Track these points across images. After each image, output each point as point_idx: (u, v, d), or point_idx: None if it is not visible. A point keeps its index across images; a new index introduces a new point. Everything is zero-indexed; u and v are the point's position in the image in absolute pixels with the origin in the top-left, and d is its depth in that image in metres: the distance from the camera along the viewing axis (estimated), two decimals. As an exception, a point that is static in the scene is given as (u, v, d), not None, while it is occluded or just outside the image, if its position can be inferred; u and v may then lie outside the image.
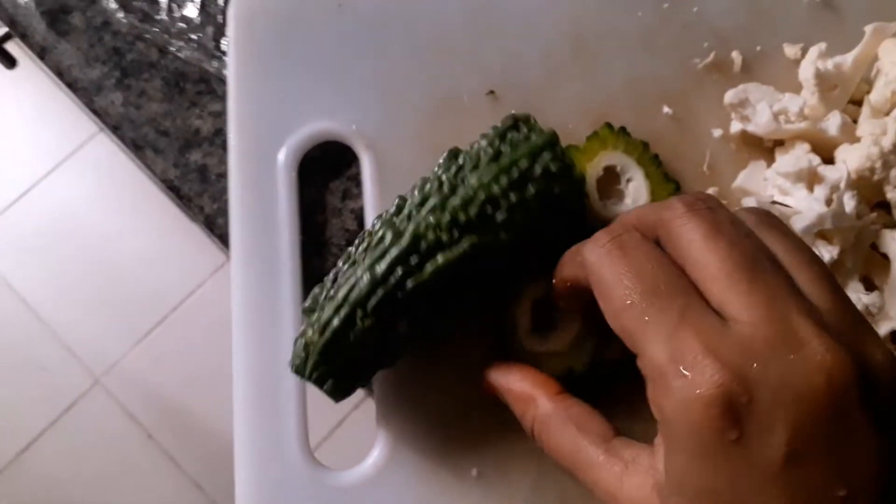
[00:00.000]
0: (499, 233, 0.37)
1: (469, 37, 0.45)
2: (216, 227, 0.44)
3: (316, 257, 0.43)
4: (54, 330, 1.42)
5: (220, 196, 0.43)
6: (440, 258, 0.36)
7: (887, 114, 0.43)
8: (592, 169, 0.43)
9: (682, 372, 0.25)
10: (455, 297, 0.38)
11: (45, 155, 1.53)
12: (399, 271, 0.36)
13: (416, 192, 0.38)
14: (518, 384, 0.36)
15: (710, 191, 0.44)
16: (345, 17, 0.45)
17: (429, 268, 0.36)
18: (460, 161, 0.38)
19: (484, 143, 0.39)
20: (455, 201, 0.37)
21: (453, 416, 0.41)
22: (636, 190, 0.43)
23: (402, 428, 0.41)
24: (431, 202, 0.37)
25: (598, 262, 0.30)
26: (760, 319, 0.26)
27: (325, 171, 0.44)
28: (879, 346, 0.27)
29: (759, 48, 0.46)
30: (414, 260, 0.36)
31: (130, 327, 1.41)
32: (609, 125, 0.43)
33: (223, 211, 0.43)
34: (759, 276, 0.27)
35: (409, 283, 0.36)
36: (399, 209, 0.38)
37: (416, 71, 0.45)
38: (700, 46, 0.46)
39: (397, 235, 0.37)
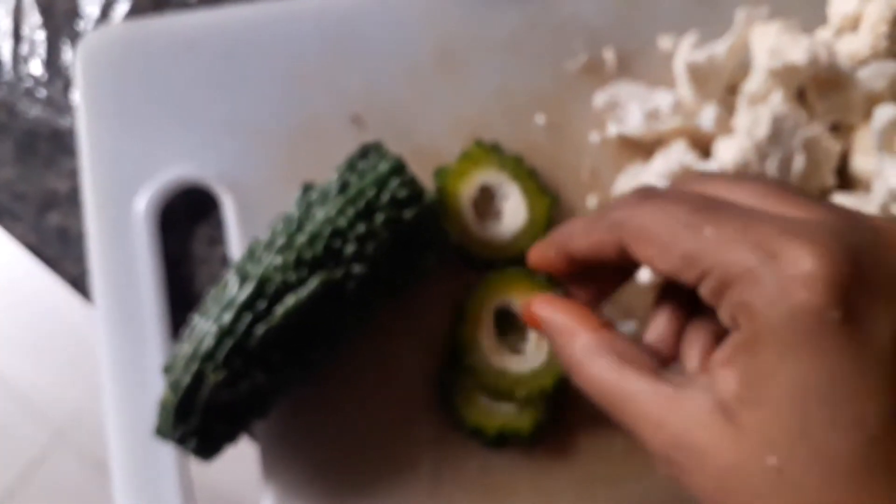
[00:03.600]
0: (350, 266, 0.35)
1: (327, 61, 0.43)
2: (82, 288, 0.42)
3: (187, 310, 0.41)
4: (11, 385, 1.39)
5: (84, 257, 0.41)
6: (290, 300, 0.34)
7: (763, 102, 0.41)
8: (467, 189, 0.41)
9: (769, 259, 0.23)
10: (316, 338, 0.36)
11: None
12: (247, 318, 0.34)
13: (268, 233, 0.37)
14: (560, 316, 0.31)
15: (591, 198, 0.42)
16: (195, 56, 0.43)
17: (278, 311, 0.34)
18: (312, 196, 0.37)
19: (335, 175, 0.37)
20: (301, 238, 0.35)
21: (342, 464, 0.40)
22: (514, 207, 0.41)
23: (288, 481, 0.39)
24: (279, 241, 0.35)
25: (633, 211, 0.28)
26: (828, 214, 0.25)
27: (190, 218, 0.42)
28: None
29: (633, 44, 0.45)
30: (262, 305, 0.34)
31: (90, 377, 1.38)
32: (480, 143, 0.41)
33: (88, 272, 0.41)
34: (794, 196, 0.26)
35: (259, 330, 0.34)
36: (251, 253, 0.36)
37: (274, 103, 0.43)
38: (572, 48, 0.44)
39: (243, 279, 0.35)
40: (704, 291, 0.25)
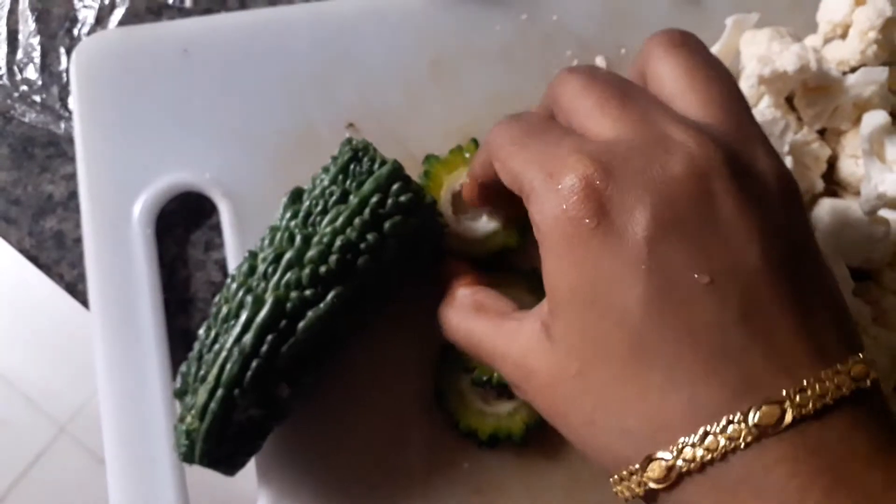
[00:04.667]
0: (364, 277, 0.35)
1: (322, 69, 0.44)
2: (78, 293, 0.42)
3: (182, 314, 0.42)
4: (11, 381, 1.40)
5: (80, 261, 0.42)
6: (310, 315, 0.34)
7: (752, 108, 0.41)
8: (450, 181, 0.41)
9: (550, 179, 0.26)
10: (331, 346, 0.36)
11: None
12: (269, 339, 0.34)
13: (266, 246, 0.37)
14: (445, 282, 0.38)
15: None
16: (191, 63, 0.43)
17: (301, 328, 0.34)
18: (306, 204, 0.37)
19: (326, 180, 0.37)
20: (312, 253, 0.35)
21: (336, 465, 0.40)
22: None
23: (283, 482, 0.40)
24: (287, 258, 0.35)
25: (493, 130, 0.32)
26: (627, 128, 0.27)
27: (186, 223, 0.43)
28: (768, 155, 0.27)
29: (623, 51, 0.45)
30: (283, 324, 0.34)
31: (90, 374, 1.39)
32: (475, 141, 0.42)
33: (84, 276, 0.41)
34: (629, 103, 0.28)
35: (284, 349, 0.34)
36: (252, 268, 0.36)
37: (270, 110, 0.43)
38: (562, 55, 0.45)
39: (257, 301, 0.35)
40: (527, 208, 0.28)
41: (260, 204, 0.42)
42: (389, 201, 0.36)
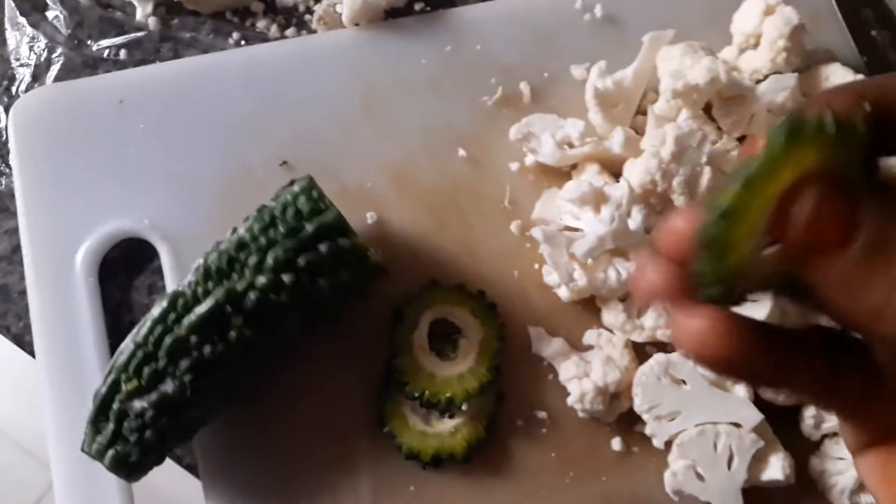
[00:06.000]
0: (254, 278, 0.36)
1: (255, 111, 0.45)
2: (25, 345, 0.43)
3: (128, 359, 0.43)
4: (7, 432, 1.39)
5: (26, 313, 0.42)
6: (195, 311, 0.36)
7: (671, 122, 0.43)
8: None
9: None
10: (238, 362, 0.37)
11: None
12: (158, 330, 0.36)
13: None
14: None
15: (513, 225, 0.44)
16: (127, 113, 0.44)
17: (184, 322, 0.36)
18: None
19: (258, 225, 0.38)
20: (213, 255, 0.37)
21: (283, 489, 0.40)
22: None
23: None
24: (198, 262, 0.37)
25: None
26: None
27: (128, 268, 0.44)
28: None
29: (546, 75, 0.46)
30: (171, 317, 0.36)
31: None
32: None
33: (30, 328, 0.42)
34: None
35: (167, 341, 0.36)
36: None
37: (205, 154, 0.44)
38: (488, 83, 0.46)
39: (161, 300, 0.37)
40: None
41: (198, 245, 0.42)
42: (290, 210, 0.37)
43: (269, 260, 0.36)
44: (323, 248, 0.36)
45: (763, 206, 0.19)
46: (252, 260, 0.36)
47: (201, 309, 0.36)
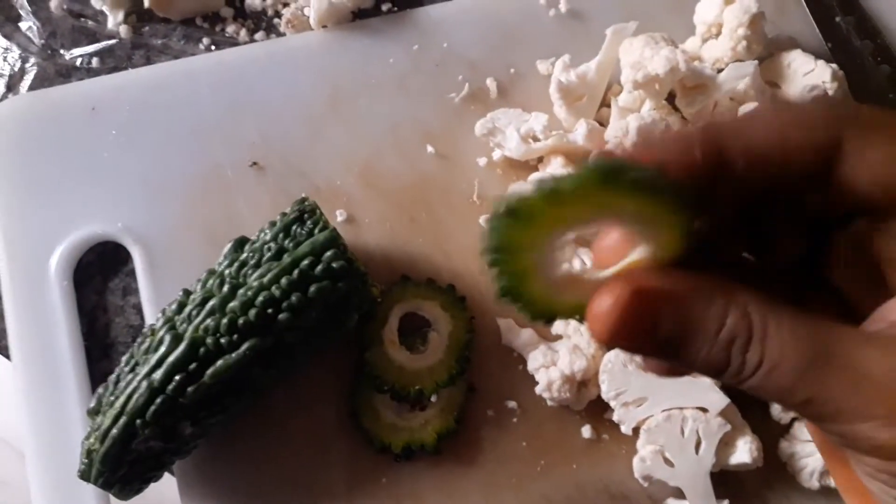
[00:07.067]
0: (283, 335, 0.36)
1: (225, 113, 0.46)
2: (1, 348, 0.44)
3: (104, 359, 0.43)
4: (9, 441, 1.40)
5: (1, 318, 0.43)
6: (221, 362, 0.36)
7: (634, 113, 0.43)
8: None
9: None
10: (242, 393, 0.37)
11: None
12: (178, 378, 0.35)
13: (199, 288, 0.38)
14: None
15: (482, 219, 0.44)
16: (99, 119, 0.45)
17: (209, 373, 0.36)
18: (245, 254, 0.38)
19: (268, 235, 0.38)
20: (234, 304, 0.36)
21: (260, 490, 0.41)
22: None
23: (210, 513, 0.41)
24: (211, 303, 0.36)
25: None
26: None
27: (103, 272, 0.44)
28: None
29: (512, 70, 0.47)
30: (193, 366, 0.36)
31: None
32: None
33: (6, 332, 0.42)
34: None
35: (190, 390, 0.36)
36: (181, 306, 0.37)
37: (176, 157, 0.45)
38: (455, 80, 0.47)
39: (176, 340, 0.36)
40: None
41: (171, 247, 0.43)
42: (320, 266, 0.37)
43: (303, 320, 0.37)
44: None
45: (552, 223, 0.20)
46: (283, 318, 0.36)
47: (228, 361, 0.36)
